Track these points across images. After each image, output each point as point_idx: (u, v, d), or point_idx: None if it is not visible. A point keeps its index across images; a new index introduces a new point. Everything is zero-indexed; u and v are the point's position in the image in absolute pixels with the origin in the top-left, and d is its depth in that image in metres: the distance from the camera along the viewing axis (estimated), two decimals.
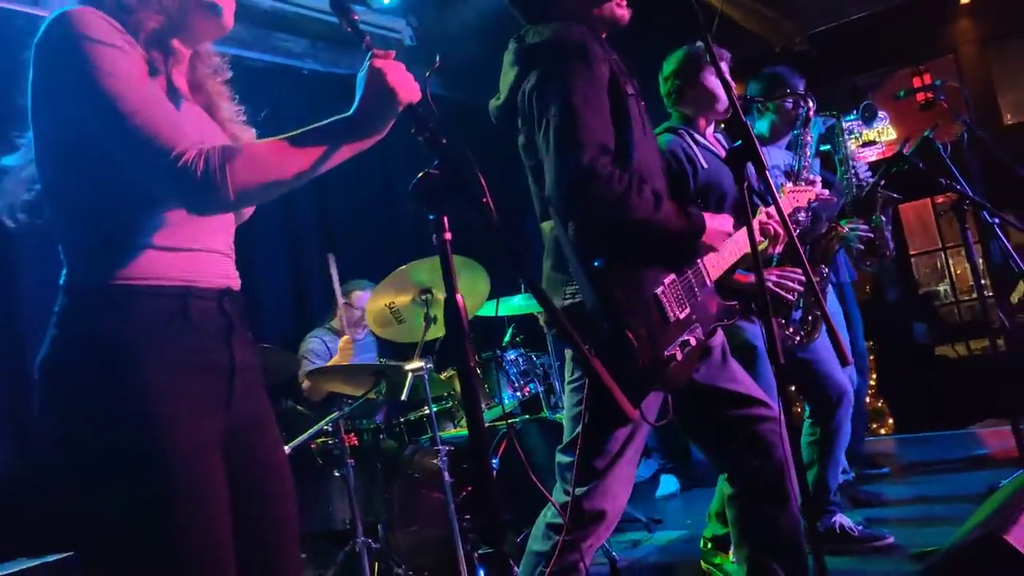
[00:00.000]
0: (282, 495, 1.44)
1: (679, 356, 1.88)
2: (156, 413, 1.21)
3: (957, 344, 6.30)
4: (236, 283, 1.42)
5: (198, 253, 1.33)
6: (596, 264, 1.81)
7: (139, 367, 1.21)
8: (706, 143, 2.85)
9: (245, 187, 1.23)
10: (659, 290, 1.88)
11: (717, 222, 1.99)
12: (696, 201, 2.76)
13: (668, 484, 4.95)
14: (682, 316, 1.92)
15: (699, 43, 2.95)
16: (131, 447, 1.20)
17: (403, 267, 3.33)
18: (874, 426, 5.65)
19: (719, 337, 2.11)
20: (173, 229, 1.29)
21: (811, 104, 3.05)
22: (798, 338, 2.87)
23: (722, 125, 3.04)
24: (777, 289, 2.65)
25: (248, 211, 1.53)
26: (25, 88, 1.28)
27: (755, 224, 2.22)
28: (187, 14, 1.37)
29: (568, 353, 2.04)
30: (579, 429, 1.92)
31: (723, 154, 2.89)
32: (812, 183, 3.01)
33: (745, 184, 1.88)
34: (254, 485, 1.38)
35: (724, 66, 2.93)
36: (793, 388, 3.38)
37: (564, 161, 1.79)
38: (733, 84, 2.95)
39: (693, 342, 1.92)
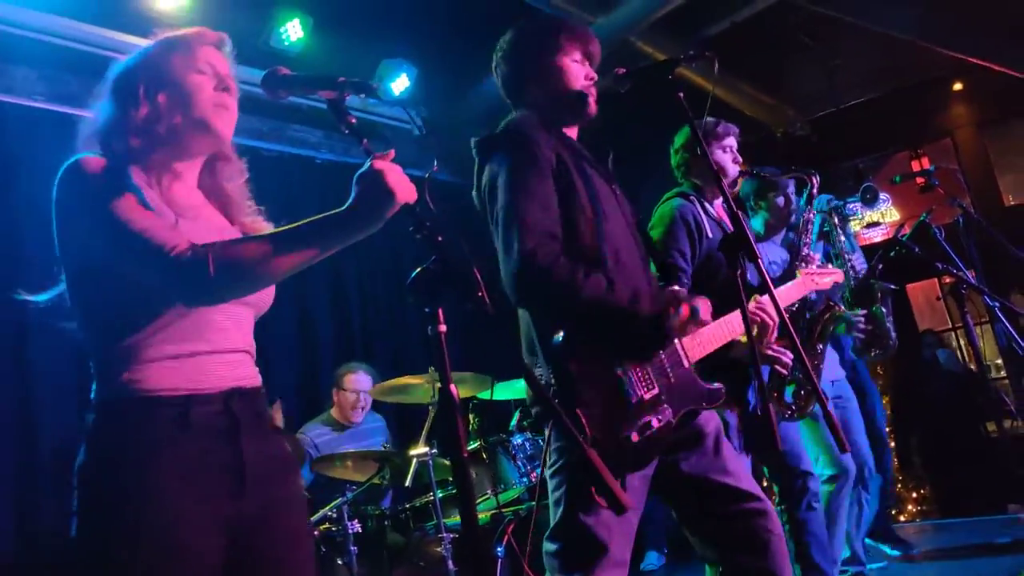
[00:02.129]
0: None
1: (634, 438, 1.80)
2: (152, 512, 1.30)
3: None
4: (249, 382, 1.48)
5: (202, 357, 1.41)
6: (555, 340, 1.80)
7: (143, 475, 1.31)
8: (714, 213, 2.92)
9: (233, 278, 1.32)
10: (619, 371, 1.84)
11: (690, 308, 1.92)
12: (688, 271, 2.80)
13: (650, 558, 4.83)
14: (647, 397, 1.86)
15: (708, 119, 3.04)
16: (135, 549, 1.28)
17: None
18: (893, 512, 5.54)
19: (713, 424, 2.04)
20: (179, 338, 1.39)
21: (815, 181, 3.11)
22: (788, 413, 2.86)
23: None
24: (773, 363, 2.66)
25: (266, 303, 1.58)
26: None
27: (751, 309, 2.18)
28: (182, 136, 1.50)
29: (548, 437, 1.97)
30: (560, 515, 1.87)
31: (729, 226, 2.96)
32: (812, 260, 3.06)
33: (739, 272, 1.93)
34: (265, 567, 1.44)
35: (732, 140, 3.02)
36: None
37: (508, 251, 1.84)
38: (739, 160, 3.04)
39: (656, 424, 1.84)
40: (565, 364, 1.78)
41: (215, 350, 1.43)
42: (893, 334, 3.55)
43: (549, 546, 1.93)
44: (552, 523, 1.94)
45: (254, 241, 1.36)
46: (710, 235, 2.82)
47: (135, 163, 1.45)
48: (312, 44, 4.41)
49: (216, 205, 1.59)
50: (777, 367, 2.61)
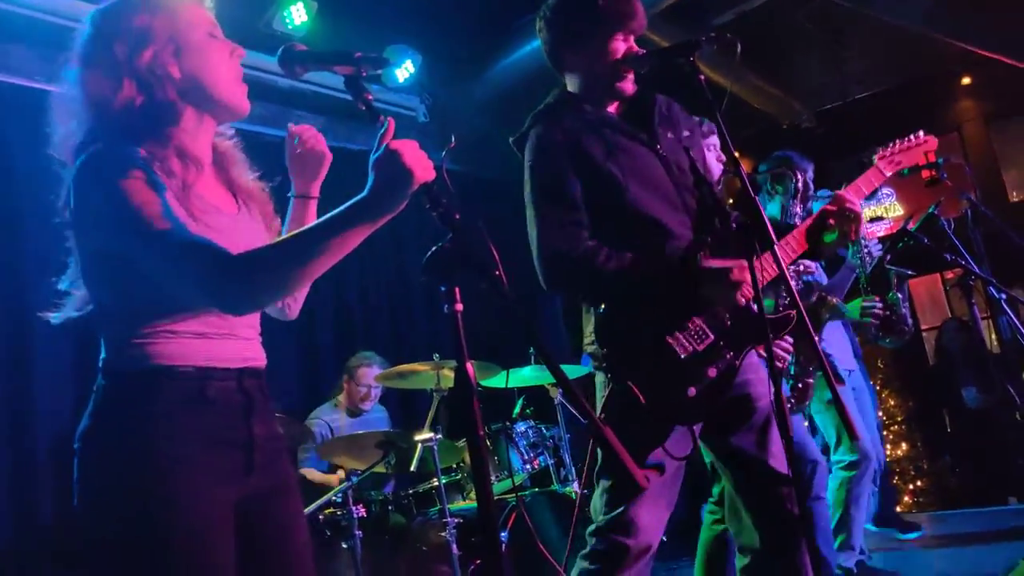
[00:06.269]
0: (296, 559, 1.47)
1: (692, 392, 1.85)
2: (170, 484, 1.28)
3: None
4: (259, 362, 1.48)
5: (218, 338, 1.40)
6: (600, 311, 1.90)
7: (157, 442, 1.29)
8: None
9: (267, 288, 1.31)
10: (668, 336, 1.87)
11: (723, 271, 1.89)
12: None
13: None
14: (701, 348, 1.88)
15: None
16: (145, 514, 1.26)
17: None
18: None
19: (765, 401, 2.00)
20: (197, 319, 1.37)
21: (799, 177, 3.18)
22: (788, 406, 2.85)
23: (731, 200, 3.11)
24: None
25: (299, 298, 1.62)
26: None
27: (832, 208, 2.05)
28: (203, 114, 1.46)
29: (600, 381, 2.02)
30: (600, 460, 1.92)
31: None
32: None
33: (755, 259, 1.90)
34: (270, 549, 1.43)
35: (715, 138, 2.97)
36: None
37: (533, 246, 1.98)
38: (723, 158, 3.02)
39: (713, 373, 1.88)
40: (613, 336, 1.88)
41: (230, 332, 1.42)
42: (909, 320, 3.53)
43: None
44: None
45: (286, 246, 1.32)
46: None
47: (159, 152, 1.36)
48: (316, 28, 4.35)
49: (216, 169, 1.54)
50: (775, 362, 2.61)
